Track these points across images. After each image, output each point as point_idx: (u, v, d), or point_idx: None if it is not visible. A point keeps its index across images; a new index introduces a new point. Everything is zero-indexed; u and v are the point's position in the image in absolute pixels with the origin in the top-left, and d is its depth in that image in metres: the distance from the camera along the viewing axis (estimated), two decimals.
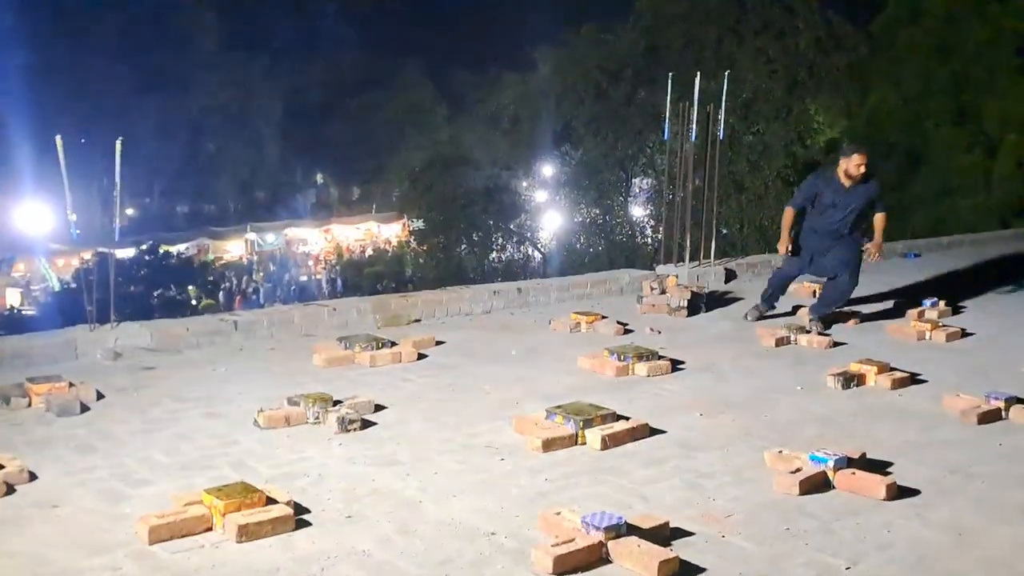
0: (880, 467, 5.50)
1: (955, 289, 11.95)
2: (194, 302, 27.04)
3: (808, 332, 9.04)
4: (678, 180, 12.60)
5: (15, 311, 26.77)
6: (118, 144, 7.16)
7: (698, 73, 11.94)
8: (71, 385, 6.47)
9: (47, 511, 4.69)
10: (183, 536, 4.37)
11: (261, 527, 4.41)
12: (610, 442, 5.80)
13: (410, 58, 49.24)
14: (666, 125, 12.35)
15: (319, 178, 52.03)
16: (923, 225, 23.00)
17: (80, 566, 4.12)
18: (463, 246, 29.40)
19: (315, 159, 49.02)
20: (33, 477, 5.07)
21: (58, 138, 7.07)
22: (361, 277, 33.32)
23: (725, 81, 12.37)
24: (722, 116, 12.34)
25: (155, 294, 25.57)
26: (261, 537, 4.38)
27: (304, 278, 35.13)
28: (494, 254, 29.74)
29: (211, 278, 30.87)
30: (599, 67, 26.10)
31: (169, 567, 4.12)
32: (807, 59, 25.04)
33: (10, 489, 4.89)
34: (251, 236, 37.28)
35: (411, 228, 35.60)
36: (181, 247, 33.47)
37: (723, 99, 12.20)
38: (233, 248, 37.20)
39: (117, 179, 7.32)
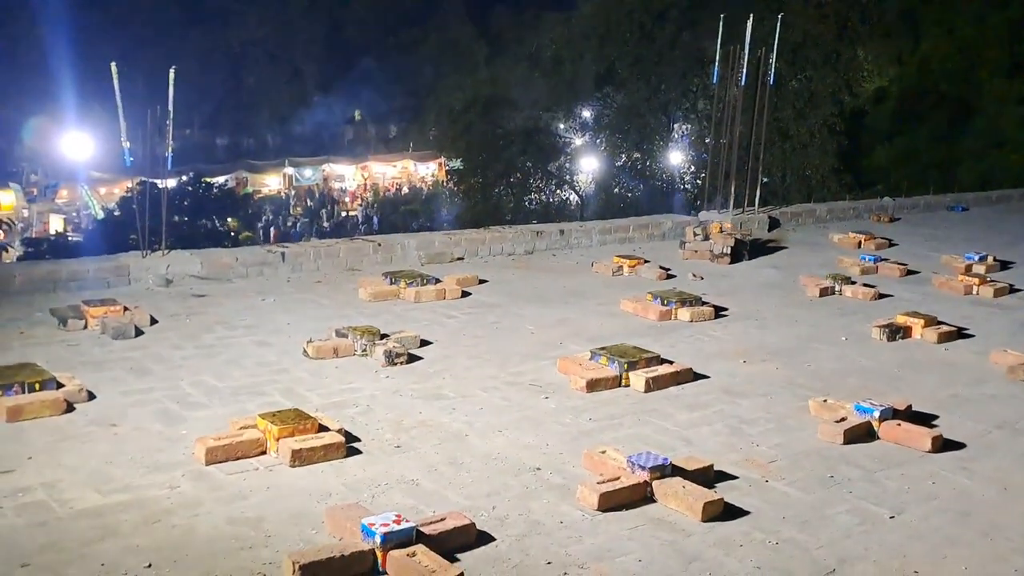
0: (926, 420, 5.49)
1: (1003, 244, 11.78)
2: (233, 234, 27.25)
3: (854, 283, 8.98)
4: (724, 125, 12.41)
5: (60, 237, 27.18)
6: (171, 73, 7.18)
7: (751, 16, 11.67)
8: (125, 309, 6.60)
9: (106, 429, 4.83)
10: (238, 458, 4.49)
11: (314, 452, 4.51)
12: (654, 385, 5.83)
13: None
14: (715, 68, 12.13)
15: (356, 115, 51.93)
16: (971, 178, 22.51)
17: (140, 483, 4.25)
18: (500, 187, 29.26)
19: (353, 96, 48.91)
20: (91, 396, 5.21)
21: (113, 65, 7.11)
22: (396, 215, 33.37)
23: (778, 25, 12.09)
24: (773, 61, 12.10)
25: (197, 224, 25.81)
26: (314, 462, 4.49)
27: (340, 214, 35.25)
28: (531, 196, 29.57)
29: (250, 211, 31.04)
30: (644, 7, 25.61)
31: (225, 487, 4.24)
32: (859, 3, 24.42)
33: (70, 407, 5.03)
34: (289, 171, 37.39)
35: (448, 168, 35.46)
36: (220, 179, 33.66)
37: (775, 43, 11.95)
38: (271, 182, 37.33)
39: (170, 107, 7.36)
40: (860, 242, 11.56)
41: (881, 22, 24.95)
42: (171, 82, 7.28)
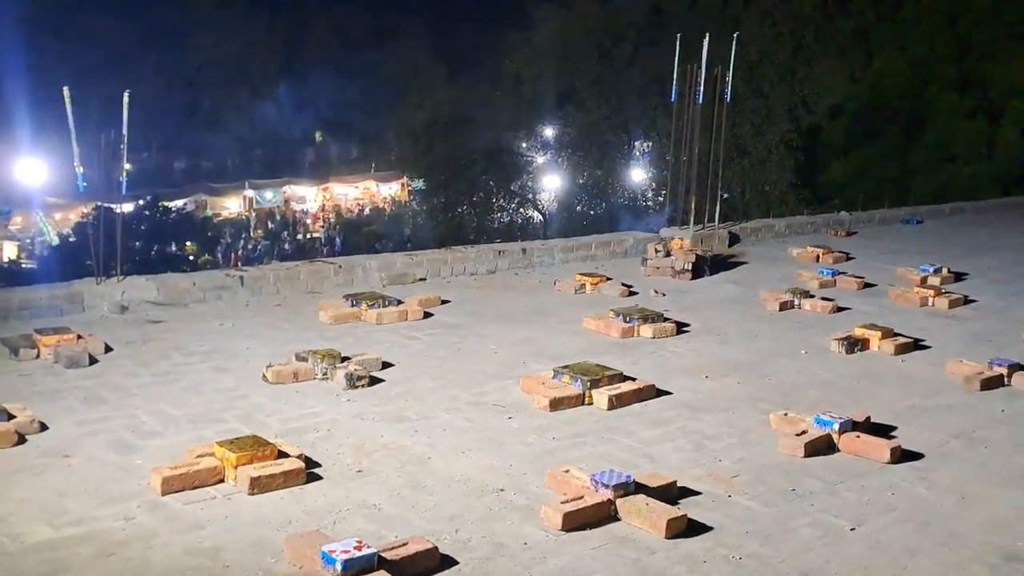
0: (884, 431, 5.55)
1: (956, 256, 11.98)
2: (191, 258, 26.99)
3: (812, 297, 9.07)
4: (683, 143, 12.52)
5: (13, 264, 26.70)
6: (126, 97, 7.10)
7: (708, 34, 11.81)
8: (79, 337, 6.48)
9: (59, 461, 4.72)
10: (195, 487, 4.41)
11: (273, 479, 4.45)
12: (617, 402, 5.84)
13: (411, 16, 48.79)
14: (674, 86, 12.25)
15: (318, 136, 51.76)
16: (924, 191, 22.92)
17: (94, 515, 4.15)
18: (463, 207, 29.30)
19: (314, 117, 48.74)
20: (44, 427, 5.10)
21: (65, 89, 7.01)
22: (359, 236, 33.25)
23: (734, 43, 12.25)
24: (730, 78, 12.24)
25: (154, 249, 25.51)
26: (273, 489, 4.43)
27: (302, 236, 35.03)
28: (495, 215, 29.64)
29: (209, 234, 30.76)
30: (602, 26, 25.87)
31: (181, 517, 4.16)
32: (813, 22, 24.83)
33: (21, 439, 4.92)
34: (249, 193, 37.10)
35: (410, 188, 35.41)
36: (179, 203, 33.33)
37: (731, 61, 12.10)
38: (231, 204, 37.02)
39: (125, 131, 7.26)
40: (818, 256, 11.69)
41: (835, 40, 25.42)
42: (125, 105, 7.20)
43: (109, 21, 39.30)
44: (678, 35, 12.17)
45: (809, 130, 25.15)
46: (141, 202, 28.01)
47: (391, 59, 47.91)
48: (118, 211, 8.27)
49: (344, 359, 6.29)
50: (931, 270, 10.49)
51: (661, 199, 23.13)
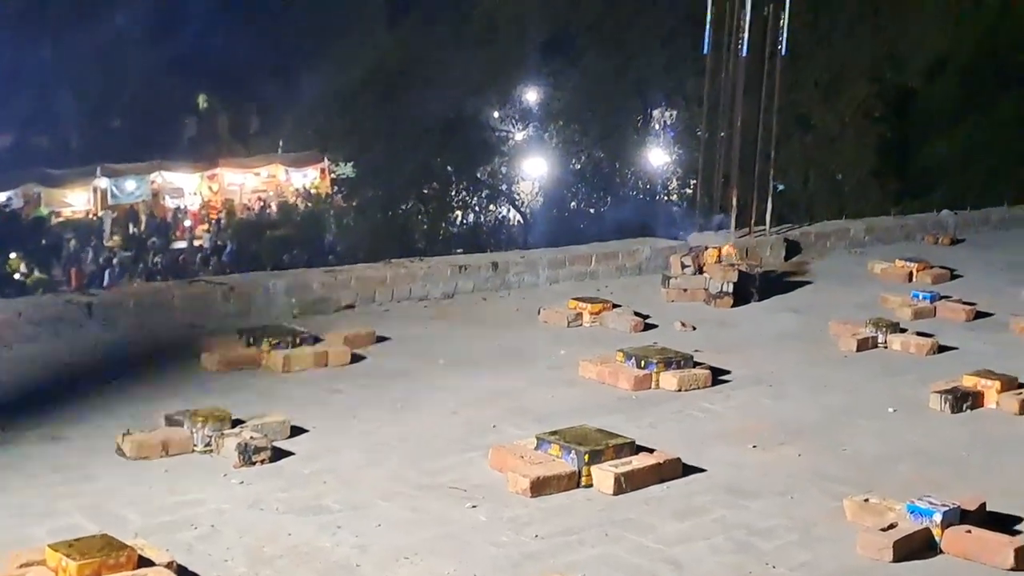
0: (1006, 523, 5.58)
1: None
2: (19, 276, 26.82)
3: (903, 331, 9.13)
4: (721, 112, 12.63)
5: None
6: None
7: None
8: None
9: None
10: None
11: None
12: (627, 484, 5.84)
13: None
14: (706, 33, 12.36)
15: (201, 101, 51.60)
16: None
17: None
18: (409, 202, 29.35)
19: (196, 74, 48.59)
20: None
21: None
22: (261, 243, 33.20)
23: None
24: (785, 21, 12.38)
25: None
26: None
27: (180, 244, 34.90)
28: (454, 214, 29.72)
29: (44, 242, 30.58)
30: None
31: None
32: None
33: None
34: (102, 183, 36.87)
35: (334, 175, 35.31)
36: (0, 196, 33.10)
37: None
38: (75, 199, 36.76)
39: None
40: (911, 273, 11.79)
41: None
42: None
43: None
44: None
45: (899, 94, 25.41)
46: None
47: None
48: None
49: (236, 423, 6.25)
50: None
51: (689, 191, 23.28)
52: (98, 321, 8.35)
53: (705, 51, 12.97)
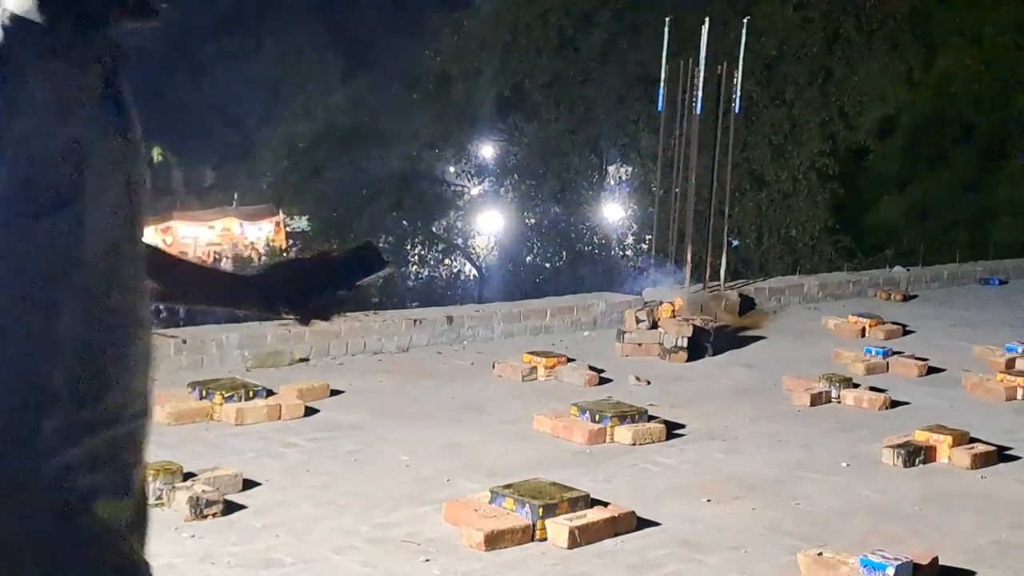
0: None
1: None
2: None
3: (856, 386, 9.21)
4: (676, 168, 12.75)
5: None
6: None
7: (707, 19, 12.13)
8: None
9: None
10: None
11: None
12: (581, 537, 5.82)
13: None
14: (661, 90, 12.51)
15: (156, 154, 51.56)
16: (1011, 239, 23.55)
17: None
18: None
19: (151, 126, 48.58)
20: None
21: None
22: None
23: (744, 31, 12.59)
24: (738, 80, 12.55)
25: None
26: None
27: None
28: (409, 268, 29.70)
29: None
30: (564, 7, 26.35)
31: None
32: (853, 4, 25.58)
33: None
34: None
35: (289, 229, 35.24)
36: None
37: (741, 56, 12.42)
38: None
39: None
40: (864, 329, 11.91)
41: (883, 29, 26.15)
42: None
43: None
44: (668, 20, 12.45)
45: (851, 153, 25.74)
46: None
47: (264, 46, 48.02)
48: None
49: (187, 476, 6.20)
50: (1020, 349, 10.74)
51: (645, 246, 23.41)
52: None
53: (660, 108, 13.12)
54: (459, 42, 28.98)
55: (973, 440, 7.77)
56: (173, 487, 6.03)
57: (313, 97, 41.48)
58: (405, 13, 39.42)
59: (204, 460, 6.71)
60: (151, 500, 5.75)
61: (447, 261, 30.56)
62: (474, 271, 30.40)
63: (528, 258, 28.24)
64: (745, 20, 12.99)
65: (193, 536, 5.70)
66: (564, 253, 27.48)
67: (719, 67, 12.47)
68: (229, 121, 46.55)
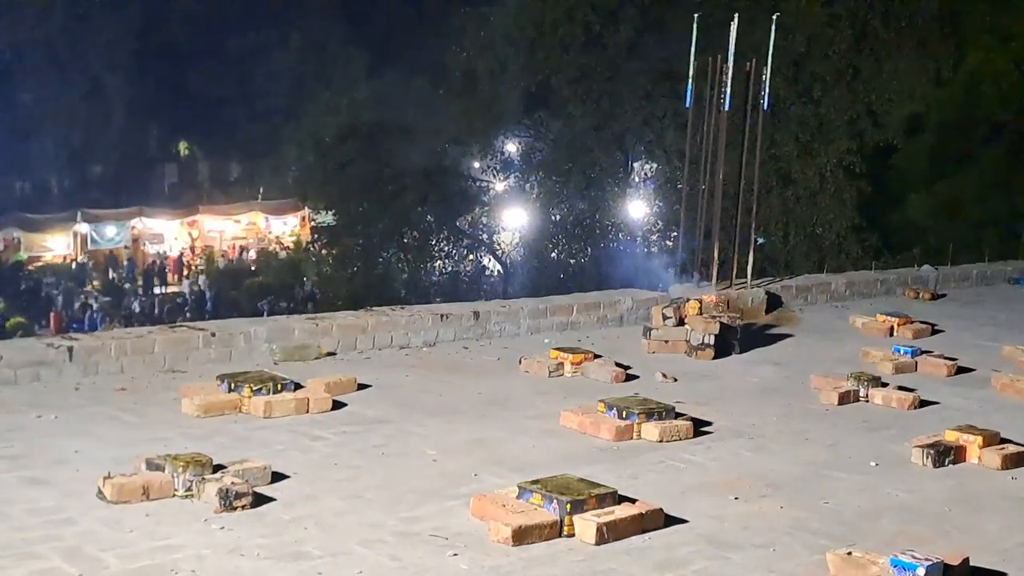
0: None
1: None
2: None
3: (885, 385, 9.17)
4: (703, 165, 12.72)
5: None
6: None
7: (736, 15, 12.09)
8: None
9: None
10: None
11: None
12: (609, 534, 5.82)
13: None
14: (688, 87, 12.48)
15: (183, 148, 51.70)
16: None
17: None
18: (390, 251, 29.37)
19: (178, 121, 48.66)
20: None
21: None
22: (240, 291, 33.18)
23: (773, 28, 12.55)
24: (767, 77, 12.52)
25: None
26: None
27: (160, 289, 34.85)
28: (434, 263, 29.74)
29: (23, 286, 30.51)
30: (590, 3, 26.32)
31: None
32: (882, 1, 25.48)
33: None
34: (82, 228, 36.91)
35: (314, 223, 35.34)
36: None
37: (769, 53, 12.38)
38: (55, 244, 36.80)
39: None
40: (892, 327, 11.86)
41: (912, 27, 26.03)
42: None
43: None
44: (695, 16, 12.42)
45: (878, 151, 25.62)
46: None
47: (290, 41, 48.11)
48: None
49: (217, 468, 6.23)
50: None
51: (670, 243, 23.36)
52: (79, 365, 8.35)
53: (687, 104, 13.09)
54: (485, 38, 28.98)
55: (1004, 440, 7.72)
56: (203, 479, 6.06)
57: (338, 92, 41.64)
58: (430, 8, 39.42)
59: (233, 452, 6.75)
60: (181, 491, 5.80)
61: (472, 257, 30.60)
62: (499, 267, 30.42)
63: (553, 254, 28.21)
64: (774, 17, 12.93)
65: (222, 528, 5.73)
66: (589, 249, 27.46)
67: (747, 64, 12.43)
68: (255, 116, 46.70)
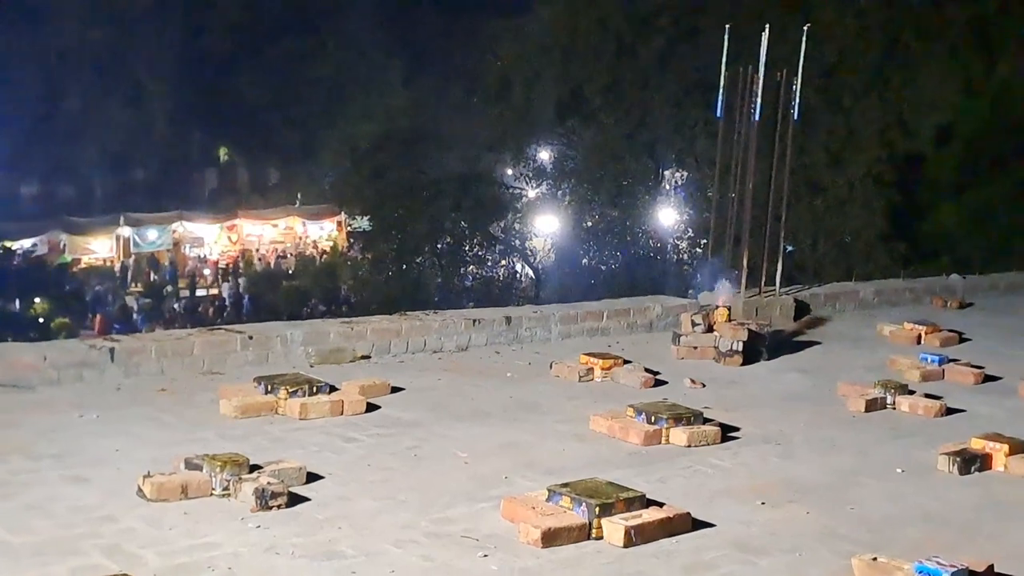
0: None
1: None
2: (42, 319, 26.93)
3: (912, 393, 9.13)
4: (733, 174, 12.70)
5: None
6: None
7: (767, 26, 12.07)
8: None
9: None
10: None
11: None
12: (637, 537, 5.83)
13: None
14: (719, 97, 12.46)
15: (223, 153, 52.00)
16: None
17: None
18: (424, 256, 29.47)
19: (218, 127, 48.96)
20: None
21: None
22: (277, 294, 33.33)
23: (804, 38, 12.52)
24: (798, 87, 12.48)
25: None
26: None
27: (200, 292, 35.03)
28: (467, 268, 29.81)
29: (67, 287, 30.79)
30: (622, 12, 26.32)
31: None
32: (913, 11, 25.35)
33: None
34: (125, 231, 37.17)
35: (351, 228, 35.50)
36: (26, 243, 33.33)
37: (800, 63, 12.34)
38: (99, 246, 37.06)
39: None
40: (920, 336, 11.79)
41: (944, 37, 25.88)
42: None
43: None
44: (727, 26, 12.40)
45: (908, 160, 25.47)
46: None
47: (327, 49, 48.32)
48: None
49: (253, 468, 6.28)
50: None
51: (700, 250, 23.32)
52: (120, 366, 8.43)
53: (718, 114, 13.08)
54: (519, 47, 29.05)
55: None
56: (239, 478, 6.11)
57: (374, 99, 41.81)
58: (465, 18, 39.51)
59: (269, 453, 6.80)
60: (218, 490, 5.85)
61: (504, 262, 30.64)
62: (530, 272, 30.45)
63: (584, 260, 28.24)
64: (805, 27, 12.90)
65: (258, 526, 5.78)
66: (619, 256, 27.46)
67: (778, 74, 12.40)
68: (293, 122, 46.94)
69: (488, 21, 34.76)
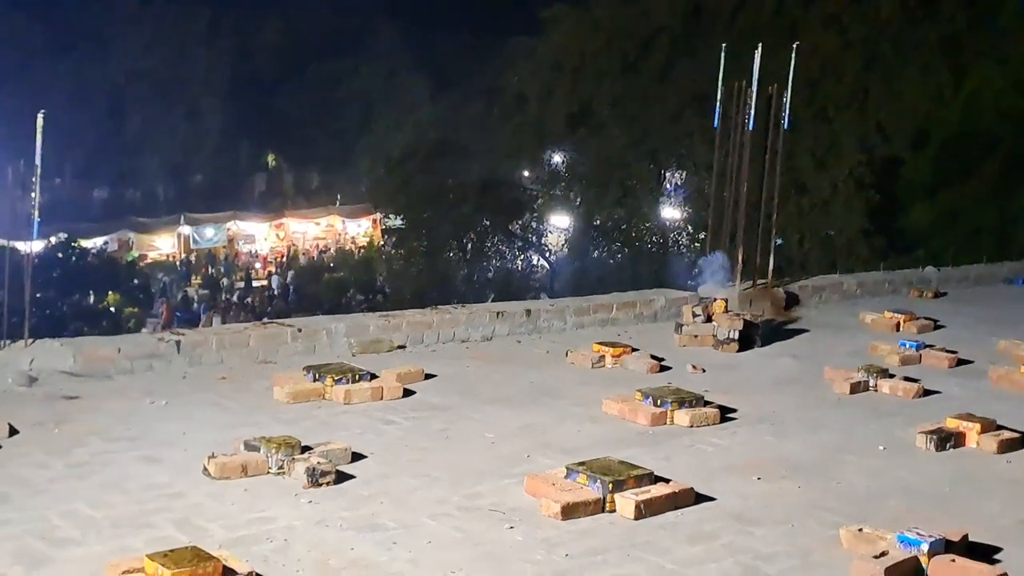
0: (986, 553, 5.56)
1: None
2: (114, 310, 26.99)
3: (892, 376, 9.11)
4: (728, 177, 12.68)
5: None
6: (40, 119, 7.22)
7: (760, 44, 12.05)
8: None
9: None
10: None
11: None
12: (646, 510, 5.85)
13: (386, 16, 49.34)
14: (716, 108, 12.45)
15: (271, 160, 52.15)
16: None
17: None
18: (450, 251, 29.55)
19: (266, 137, 49.09)
20: None
21: None
22: (320, 285, 33.40)
23: (793, 55, 12.48)
24: (787, 100, 12.45)
25: (65, 301, 25.51)
26: None
27: (254, 283, 35.14)
28: (489, 262, 29.88)
29: (135, 281, 30.88)
30: (627, 33, 26.27)
31: None
32: (890, 29, 25.19)
33: None
34: (185, 230, 37.31)
35: (385, 226, 35.59)
36: (98, 241, 33.46)
37: (790, 77, 12.32)
38: (162, 244, 37.23)
39: (38, 160, 7.37)
40: (899, 323, 11.75)
41: (918, 52, 25.74)
42: (39, 129, 7.31)
43: (13, 19, 39.70)
44: (723, 45, 12.39)
45: (885, 163, 25.38)
46: (52, 240, 28.04)
47: (362, 68, 48.41)
48: (26, 253, 8.35)
49: (304, 449, 6.31)
50: None
51: (698, 245, 23.30)
52: (185, 357, 8.48)
53: (715, 124, 13.07)
54: (533, 65, 29.15)
55: (1000, 427, 7.64)
56: (293, 458, 6.15)
57: (404, 113, 41.95)
58: (484, 41, 39.48)
59: (318, 435, 6.83)
60: (274, 469, 5.88)
61: (522, 256, 30.75)
62: (546, 265, 30.54)
63: (595, 254, 28.34)
64: (795, 45, 12.88)
65: (310, 502, 5.82)
66: (625, 251, 27.52)
67: (769, 87, 12.38)
68: (331, 133, 47.13)
69: (504, 42, 34.85)
